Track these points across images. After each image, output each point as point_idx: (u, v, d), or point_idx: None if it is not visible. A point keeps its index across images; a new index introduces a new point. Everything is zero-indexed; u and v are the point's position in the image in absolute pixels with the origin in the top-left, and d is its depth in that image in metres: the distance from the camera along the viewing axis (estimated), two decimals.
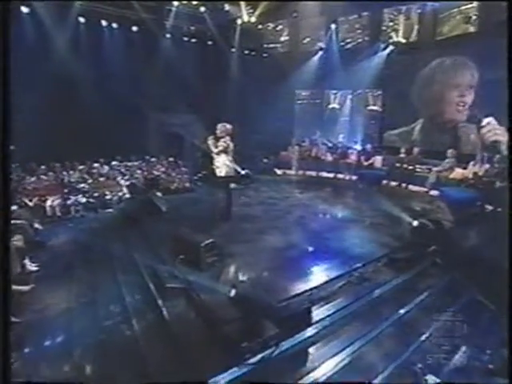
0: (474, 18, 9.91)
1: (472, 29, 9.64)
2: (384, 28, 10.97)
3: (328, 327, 3.82)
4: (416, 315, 4.35)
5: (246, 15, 12.19)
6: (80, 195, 8.40)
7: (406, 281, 4.89)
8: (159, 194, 8.75)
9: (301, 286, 4.22)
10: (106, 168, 9.55)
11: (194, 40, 12.01)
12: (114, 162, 9.63)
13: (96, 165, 9.33)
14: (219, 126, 6.17)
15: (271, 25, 12.88)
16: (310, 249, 5.34)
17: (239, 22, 12.29)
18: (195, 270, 4.34)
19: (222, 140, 6.15)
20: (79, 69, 9.65)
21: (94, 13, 10.10)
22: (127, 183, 8.37)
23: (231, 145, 6.22)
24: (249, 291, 3.38)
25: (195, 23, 11.79)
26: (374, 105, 11.80)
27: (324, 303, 4.08)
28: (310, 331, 3.64)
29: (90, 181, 8.66)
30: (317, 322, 3.73)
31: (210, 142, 6.20)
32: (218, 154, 6.20)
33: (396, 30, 10.91)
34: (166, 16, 11.18)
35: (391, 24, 10.91)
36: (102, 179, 8.69)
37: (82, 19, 9.91)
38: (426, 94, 10.36)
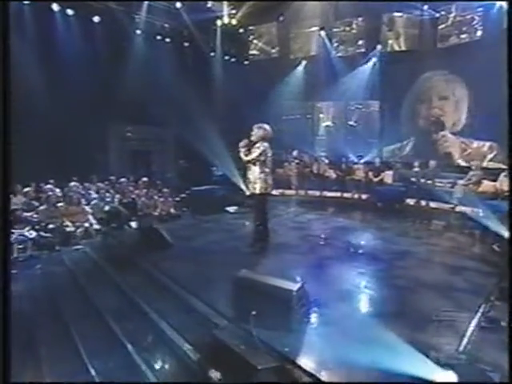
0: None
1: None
2: (378, 35, 10.81)
3: None
4: None
5: (226, 17, 11.29)
6: (27, 228, 6.27)
7: None
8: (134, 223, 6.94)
9: (439, 341, 3.01)
10: (58, 190, 7.47)
11: (168, 40, 10.69)
12: (72, 183, 7.57)
13: (49, 186, 7.22)
14: (255, 127, 4.94)
15: (254, 28, 12.15)
16: (399, 284, 4.18)
17: (219, 23, 11.34)
18: (285, 333, 2.88)
19: (257, 146, 4.89)
20: (17, 64, 7.67)
21: None
22: (106, 208, 6.43)
23: (269, 153, 4.98)
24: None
25: (170, 20, 10.54)
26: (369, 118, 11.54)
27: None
28: None
29: (42, 207, 6.55)
30: None
31: (242, 146, 4.90)
32: (251, 163, 4.89)
33: (390, 38, 10.87)
34: (137, 9, 9.77)
35: (384, 31, 10.84)
36: (60, 205, 6.63)
37: None
38: (415, 107, 10.58)
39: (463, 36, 9.91)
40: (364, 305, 3.73)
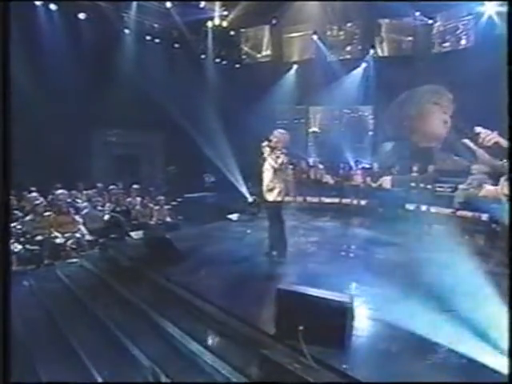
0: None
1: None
2: (370, 40, 10.95)
3: None
4: None
5: (218, 18, 11.13)
6: (11, 240, 5.72)
7: None
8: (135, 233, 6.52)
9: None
10: (42, 199, 6.95)
11: (157, 40, 10.38)
12: (59, 191, 7.05)
13: (33, 194, 6.69)
14: (276, 132, 4.75)
15: (246, 31, 12.04)
16: (433, 291, 4.02)
17: (210, 25, 11.15)
18: (338, 349, 2.65)
19: (279, 153, 4.69)
20: None
21: None
22: (106, 217, 5.98)
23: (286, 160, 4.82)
24: None
25: (160, 20, 10.25)
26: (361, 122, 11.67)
27: None
28: None
29: (28, 217, 6.02)
30: None
31: (266, 150, 4.70)
32: (278, 169, 4.69)
33: (382, 43, 11.05)
34: (126, 7, 9.41)
35: (377, 37, 11.00)
36: (47, 214, 6.12)
37: None
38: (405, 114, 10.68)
39: (456, 43, 10.18)
40: (403, 314, 3.55)
